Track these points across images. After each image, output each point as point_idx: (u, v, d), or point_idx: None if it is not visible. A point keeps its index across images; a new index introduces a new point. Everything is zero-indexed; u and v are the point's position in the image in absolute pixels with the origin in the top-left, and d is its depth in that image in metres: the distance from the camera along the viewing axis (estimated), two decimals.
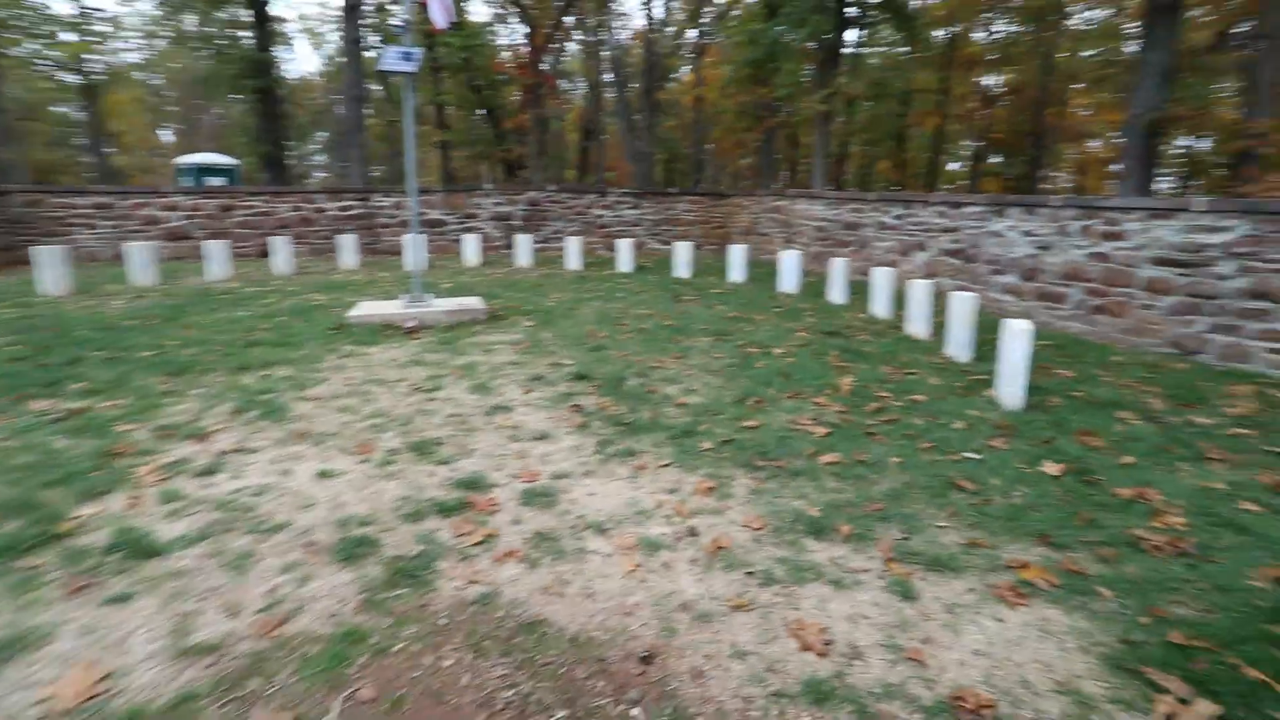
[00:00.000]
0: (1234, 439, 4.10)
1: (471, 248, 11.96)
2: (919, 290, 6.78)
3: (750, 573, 2.54)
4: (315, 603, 2.31)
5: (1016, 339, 4.52)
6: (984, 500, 3.17)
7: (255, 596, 2.34)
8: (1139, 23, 13.57)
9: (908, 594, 2.41)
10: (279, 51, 21.65)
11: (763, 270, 11.36)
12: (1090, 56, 22.06)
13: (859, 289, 8.94)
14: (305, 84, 35.23)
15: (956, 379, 5.24)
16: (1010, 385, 4.59)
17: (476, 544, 2.71)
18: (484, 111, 21.94)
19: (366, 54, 19.12)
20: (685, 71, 27.34)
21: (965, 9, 20.66)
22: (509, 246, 13.32)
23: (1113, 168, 25.24)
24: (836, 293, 8.75)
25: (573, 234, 13.71)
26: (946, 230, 9.14)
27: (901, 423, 4.22)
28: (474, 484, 3.25)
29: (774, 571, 2.56)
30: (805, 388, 4.91)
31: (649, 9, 26.34)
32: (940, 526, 2.93)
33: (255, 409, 4.23)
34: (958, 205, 8.99)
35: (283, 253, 10.72)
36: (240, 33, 18.96)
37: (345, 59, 17.61)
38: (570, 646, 2.13)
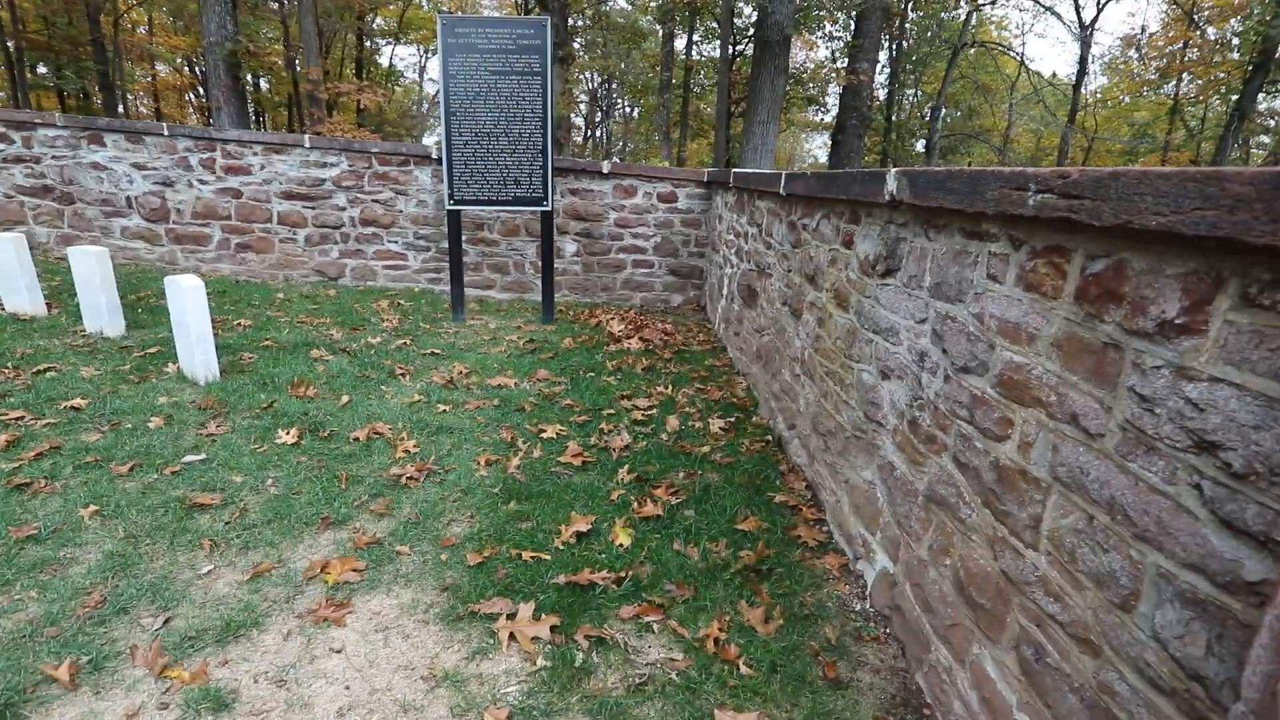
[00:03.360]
0: (400, 350, 4.74)
1: None
2: (2, 250, 4.80)
3: None
4: None
5: (191, 297, 3.77)
6: (239, 510, 2.57)
7: None
8: None
9: (217, 704, 1.69)
10: None
11: None
12: None
13: None
14: None
15: (120, 362, 4.07)
16: (199, 354, 3.86)
17: None
18: None
19: None
20: None
21: None
22: None
23: (190, 97, 24.58)
24: None
25: None
26: (19, 160, 6.75)
27: (66, 450, 2.95)
28: None
29: None
30: None
31: None
32: (205, 574, 2.20)
33: None
34: (26, 126, 6.70)
35: None
36: None
37: None
38: None
